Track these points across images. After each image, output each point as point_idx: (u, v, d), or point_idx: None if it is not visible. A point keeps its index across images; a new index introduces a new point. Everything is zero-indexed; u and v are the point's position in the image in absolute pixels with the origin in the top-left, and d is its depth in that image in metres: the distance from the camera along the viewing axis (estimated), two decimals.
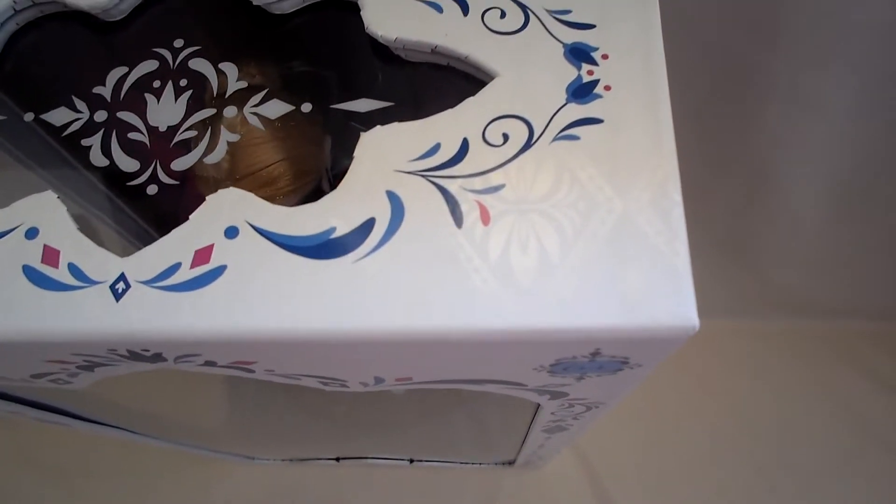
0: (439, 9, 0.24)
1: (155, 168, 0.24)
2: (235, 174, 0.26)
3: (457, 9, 0.24)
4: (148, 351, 0.22)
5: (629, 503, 0.63)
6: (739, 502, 0.61)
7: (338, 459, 0.63)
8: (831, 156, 0.45)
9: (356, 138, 0.25)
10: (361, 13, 0.24)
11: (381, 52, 0.25)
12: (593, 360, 0.22)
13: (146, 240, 0.22)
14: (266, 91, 0.25)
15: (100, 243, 0.22)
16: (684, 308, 0.19)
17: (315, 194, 0.25)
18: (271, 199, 0.27)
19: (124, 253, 0.22)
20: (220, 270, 0.21)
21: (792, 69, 0.40)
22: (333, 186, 0.27)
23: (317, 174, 0.28)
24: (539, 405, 0.31)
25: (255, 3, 0.26)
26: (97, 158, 0.25)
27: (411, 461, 0.62)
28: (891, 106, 0.41)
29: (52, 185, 0.25)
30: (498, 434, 0.65)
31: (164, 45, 0.26)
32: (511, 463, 0.62)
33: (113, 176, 0.25)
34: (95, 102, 0.26)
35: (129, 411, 0.49)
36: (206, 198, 0.22)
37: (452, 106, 0.23)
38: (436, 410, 0.66)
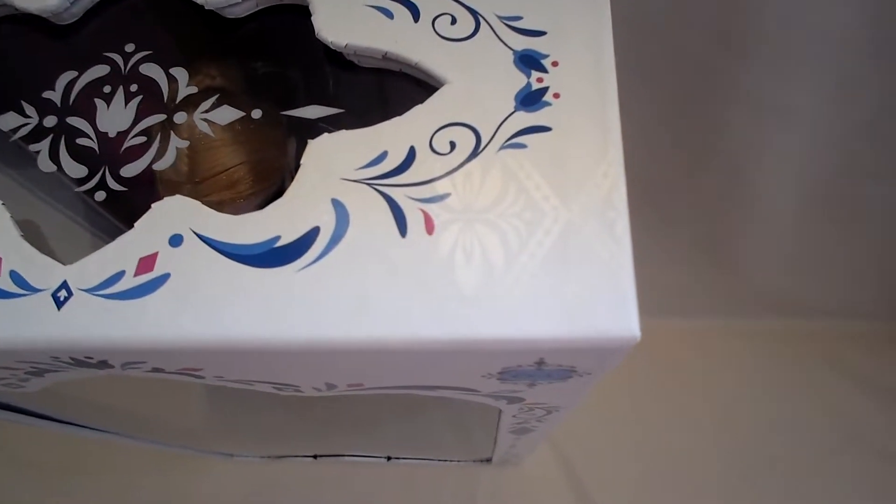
0: (390, 14, 0.24)
1: (104, 174, 0.24)
2: (195, 177, 0.26)
3: (408, 15, 0.24)
4: (92, 358, 0.22)
5: (608, 500, 0.63)
6: (721, 500, 0.61)
7: (315, 457, 0.63)
8: (802, 157, 0.45)
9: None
10: (312, 18, 0.24)
11: (335, 57, 0.25)
12: (540, 369, 0.22)
13: (96, 246, 0.22)
14: (217, 97, 0.25)
15: (46, 251, 0.22)
16: (626, 318, 0.19)
17: (278, 197, 0.25)
18: (233, 202, 0.28)
19: (72, 261, 0.22)
20: (163, 279, 0.21)
21: (762, 73, 0.40)
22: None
23: (279, 177, 0.27)
24: (500, 409, 0.31)
25: (207, 7, 0.25)
26: (45, 164, 0.25)
27: (388, 458, 0.62)
28: (856, 107, 0.41)
29: None
30: (476, 432, 0.65)
31: (115, 50, 0.26)
32: (489, 460, 0.63)
33: (61, 182, 0.24)
34: (45, 107, 0.25)
35: (104, 410, 0.49)
36: (152, 205, 0.22)
37: (403, 113, 0.23)
38: (415, 408, 0.66)
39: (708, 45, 0.38)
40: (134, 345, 0.21)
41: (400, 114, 0.23)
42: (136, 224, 0.22)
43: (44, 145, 0.25)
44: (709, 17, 0.36)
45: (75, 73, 0.26)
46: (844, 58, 0.37)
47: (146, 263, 0.21)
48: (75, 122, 0.25)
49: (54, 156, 0.25)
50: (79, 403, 0.44)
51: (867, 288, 0.58)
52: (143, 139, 0.24)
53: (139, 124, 0.25)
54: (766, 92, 0.40)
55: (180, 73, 0.25)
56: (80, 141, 0.25)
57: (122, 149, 0.24)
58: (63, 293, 0.21)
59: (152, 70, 0.25)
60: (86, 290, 0.21)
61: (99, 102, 0.25)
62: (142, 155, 0.24)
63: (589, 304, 0.20)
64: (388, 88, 0.25)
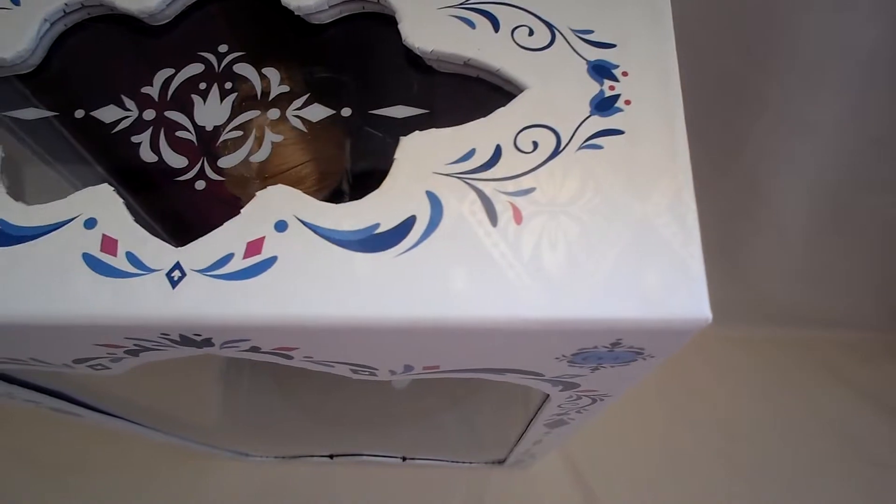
0: (472, 24, 0.26)
1: (203, 165, 0.26)
2: (265, 173, 0.28)
3: (488, 25, 0.26)
4: (199, 336, 0.24)
5: (614, 503, 0.65)
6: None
7: (331, 457, 0.64)
8: (817, 171, 0.48)
9: (374, 142, 0.27)
10: (399, 25, 0.26)
11: (413, 62, 0.27)
12: (612, 351, 0.24)
13: (194, 232, 0.24)
14: (308, 95, 0.27)
15: (153, 234, 0.24)
16: (698, 302, 0.22)
17: (335, 195, 0.27)
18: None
19: (174, 243, 0.24)
20: (271, 261, 0.23)
21: (783, 88, 0.43)
22: (352, 188, 0.29)
23: (338, 176, 0.29)
24: (548, 397, 0.33)
25: (296, 13, 0.27)
26: (147, 154, 0.26)
27: (404, 459, 0.64)
28: (874, 124, 0.44)
29: (104, 178, 0.26)
30: (488, 434, 0.67)
31: (208, 50, 0.28)
32: (501, 462, 0.64)
33: (161, 171, 0.26)
34: (144, 101, 0.27)
35: (131, 405, 0.50)
36: (256, 194, 0.24)
37: (480, 114, 0.25)
38: (429, 410, 0.68)
39: (740, 60, 0.41)
40: (244, 323, 0.23)
41: (476, 115, 0.25)
42: (242, 210, 0.24)
43: (144, 137, 0.26)
44: (743, 34, 0.39)
45: (171, 71, 0.27)
46: (867, 77, 0.40)
47: (254, 247, 0.23)
48: (174, 115, 0.27)
49: (155, 146, 0.26)
50: (106, 395, 0.45)
51: (868, 299, 0.61)
52: (238, 133, 0.26)
53: (235, 119, 0.26)
54: (790, 106, 0.43)
55: (272, 73, 0.27)
56: (179, 133, 0.26)
57: (219, 141, 0.26)
58: (177, 273, 0.23)
59: (245, 69, 0.27)
60: (198, 271, 0.23)
61: (195, 98, 0.27)
62: (238, 148, 0.26)
63: (664, 289, 0.22)
64: (464, 92, 0.27)
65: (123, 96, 0.27)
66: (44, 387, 0.37)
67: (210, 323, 0.23)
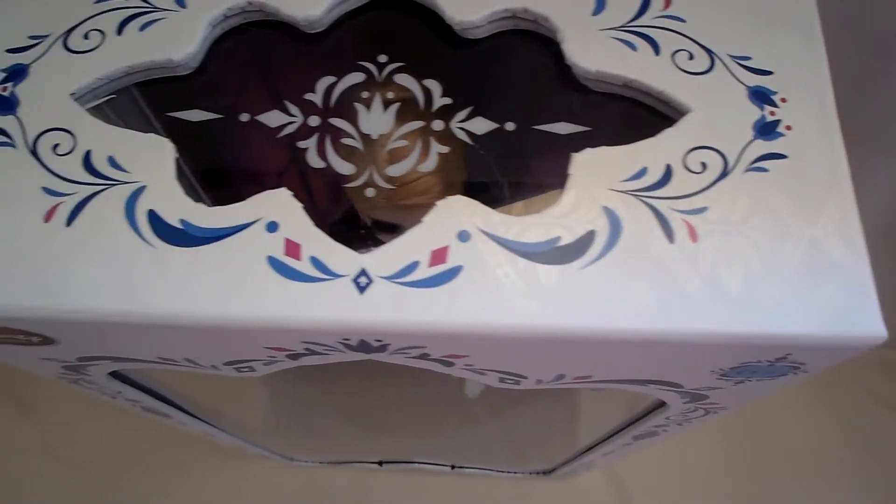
0: (633, 47, 0.27)
1: (371, 173, 0.26)
2: (395, 181, 0.29)
3: (649, 48, 0.27)
4: (380, 341, 0.24)
5: None
6: None
7: (381, 463, 0.64)
8: (889, 185, 0.50)
9: (503, 155, 0.28)
10: (562, 45, 0.27)
11: (566, 79, 0.28)
12: (772, 365, 0.25)
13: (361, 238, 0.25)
14: (471, 108, 0.27)
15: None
16: (872, 319, 0.23)
17: None
18: (420, 208, 0.30)
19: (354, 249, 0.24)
20: (456, 270, 0.23)
21: (875, 109, 0.44)
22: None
23: (458, 188, 0.30)
24: (660, 408, 0.34)
25: (455, 28, 0.28)
26: (314, 160, 0.27)
27: (453, 467, 0.64)
28: None
29: (272, 182, 0.26)
30: (531, 446, 0.68)
31: (365, 59, 0.28)
32: (547, 473, 0.65)
33: (329, 177, 0.27)
34: (307, 108, 0.27)
35: (199, 405, 0.50)
36: (436, 203, 0.24)
37: (635, 133, 0.26)
38: (471, 420, 0.69)
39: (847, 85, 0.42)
40: (431, 330, 0.23)
41: (631, 134, 0.26)
42: (423, 219, 0.24)
43: (310, 143, 0.27)
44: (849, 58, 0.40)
45: (333, 78, 0.28)
46: None
47: (438, 256, 0.24)
48: (338, 122, 0.27)
49: (321, 152, 0.27)
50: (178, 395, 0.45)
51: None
52: (404, 143, 0.27)
53: (399, 129, 0.27)
54: (888, 126, 0.45)
55: (433, 84, 0.28)
56: (345, 140, 0.27)
57: (386, 150, 0.27)
58: (364, 279, 0.23)
59: (405, 80, 0.28)
60: (385, 278, 0.23)
61: (359, 106, 0.27)
62: (404, 157, 0.27)
63: (839, 307, 0.23)
64: (618, 111, 0.28)
65: (287, 101, 0.28)
66: (147, 387, 0.37)
67: (397, 329, 0.23)
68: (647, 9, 0.28)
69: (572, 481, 0.68)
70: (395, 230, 0.30)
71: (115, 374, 0.33)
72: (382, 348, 0.25)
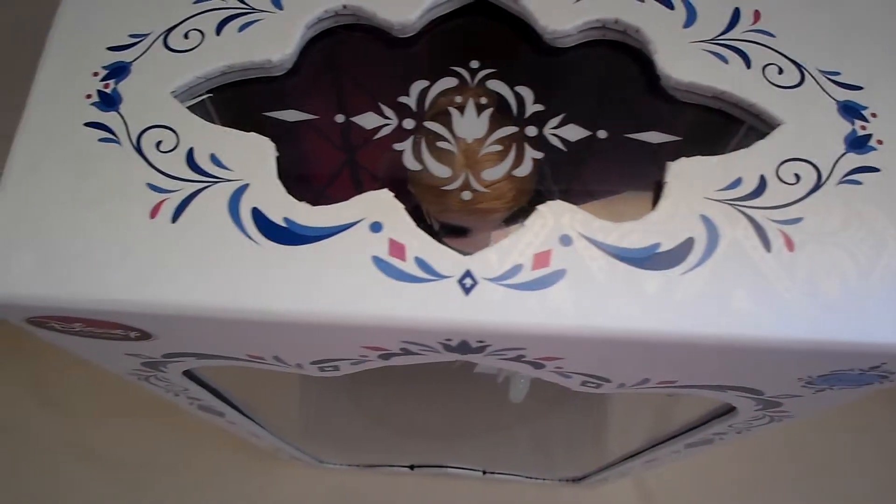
0: (724, 59, 0.27)
1: (467, 176, 0.27)
2: (469, 185, 0.29)
3: (740, 61, 0.27)
4: (481, 342, 0.24)
5: None
6: None
7: (412, 467, 0.65)
8: None
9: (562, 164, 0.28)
10: (654, 56, 0.28)
11: (653, 89, 0.28)
12: (863, 374, 0.25)
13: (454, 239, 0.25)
14: (563, 115, 0.28)
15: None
16: None
17: (519, 214, 0.28)
18: (493, 213, 0.30)
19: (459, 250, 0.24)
20: (560, 274, 0.24)
21: None
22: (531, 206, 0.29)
23: (528, 196, 0.30)
24: (726, 414, 0.35)
25: (544, 37, 0.28)
26: (410, 162, 0.27)
27: (484, 472, 0.64)
28: None
29: (369, 182, 0.27)
30: (559, 453, 0.68)
31: (458, 64, 0.29)
32: (577, 480, 0.65)
33: (426, 179, 0.27)
34: (401, 111, 0.28)
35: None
36: (537, 207, 0.25)
37: (725, 144, 0.27)
38: (500, 425, 0.69)
39: None
40: (535, 332, 0.23)
41: (720, 145, 0.27)
42: (525, 223, 0.25)
43: (406, 145, 0.27)
44: None
45: (426, 83, 0.28)
46: None
47: (541, 259, 0.24)
48: (433, 126, 0.28)
49: (417, 155, 0.27)
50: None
51: None
52: (498, 147, 0.27)
53: (493, 134, 0.27)
54: None
55: (525, 91, 0.28)
56: (440, 144, 0.27)
57: (481, 154, 0.27)
58: (469, 281, 0.24)
59: (497, 86, 0.28)
60: (490, 280, 0.24)
61: (452, 111, 0.28)
62: (499, 162, 0.27)
63: None
64: (706, 122, 0.28)
65: (381, 104, 0.28)
66: (211, 385, 0.37)
67: (502, 331, 0.24)
68: (736, 23, 0.28)
69: (599, 489, 0.68)
70: (466, 234, 0.30)
71: (186, 372, 0.34)
72: (481, 349, 0.25)
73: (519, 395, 0.51)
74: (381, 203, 0.25)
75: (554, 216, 0.25)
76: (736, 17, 0.28)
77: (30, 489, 0.67)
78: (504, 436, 0.68)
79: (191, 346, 0.28)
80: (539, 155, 0.27)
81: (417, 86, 0.28)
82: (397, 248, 0.24)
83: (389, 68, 0.30)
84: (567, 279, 0.24)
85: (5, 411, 0.69)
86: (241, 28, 0.28)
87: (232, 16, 0.28)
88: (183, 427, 0.70)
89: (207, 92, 0.28)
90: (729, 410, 0.34)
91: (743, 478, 0.67)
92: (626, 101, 0.29)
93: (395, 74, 0.29)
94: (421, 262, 0.24)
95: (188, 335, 0.26)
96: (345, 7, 0.29)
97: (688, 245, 0.24)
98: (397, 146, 0.27)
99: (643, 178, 0.27)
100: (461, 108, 0.28)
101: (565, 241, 0.24)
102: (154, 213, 0.25)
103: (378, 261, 0.24)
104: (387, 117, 0.28)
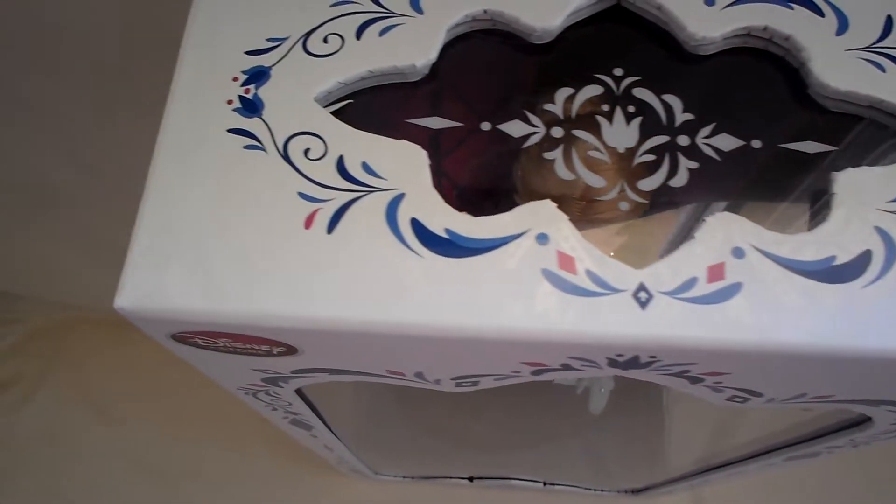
0: (882, 68, 0.27)
1: (623, 186, 0.26)
2: (590, 193, 0.28)
3: None
4: (654, 357, 0.24)
5: None
6: None
7: (471, 479, 0.63)
8: None
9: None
10: (809, 64, 0.27)
11: (800, 98, 0.28)
12: None
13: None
14: (714, 124, 0.27)
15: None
16: None
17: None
18: (609, 222, 0.29)
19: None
20: (736, 287, 0.23)
21: None
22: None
23: (644, 207, 0.29)
24: (860, 424, 0.34)
25: (692, 41, 0.28)
26: (562, 171, 0.26)
27: (545, 484, 0.63)
28: None
29: (523, 191, 0.26)
30: (614, 464, 0.67)
31: (600, 72, 0.28)
32: (636, 492, 0.64)
33: (581, 189, 0.26)
34: (547, 118, 0.27)
35: None
36: (706, 219, 0.24)
37: (881, 155, 0.26)
38: (552, 435, 0.68)
39: None
40: (713, 346, 0.23)
41: (878, 156, 0.26)
42: (695, 235, 0.24)
43: (556, 154, 0.26)
44: None
45: (571, 90, 0.27)
46: None
47: (715, 272, 0.23)
48: (582, 134, 0.27)
49: (569, 164, 0.26)
50: None
51: None
52: (651, 157, 0.26)
53: (645, 143, 0.27)
54: None
55: (673, 99, 0.27)
56: (591, 153, 0.26)
57: (634, 164, 0.26)
58: (643, 294, 0.23)
59: (644, 94, 0.27)
60: (665, 293, 0.23)
61: (601, 119, 0.27)
62: (654, 172, 0.26)
63: None
64: (857, 131, 0.28)
65: (526, 111, 0.27)
66: (310, 399, 0.36)
67: (679, 345, 0.23)
68: (890, 31, 0.27)
69: (655, 500, 0.67)
70: None
71: (297, 390, 0.33)
72: (648, 364, 0.24)
73: (599, 406, 0.50)
74: (544, 214, 0.24)
75: (723, 228, 0.24)
76: (889, 25, 0.28)
77: (79, 499, 0.65)
78: (563, 446, 0.67)
79: (332, 361, 0.27)
80: (694, 165, 0.27)
81: (562, 93, 0.28)
82: (567, 261, 0.23)
83: (528, 75, 0.29)
84: (744, 293, 0.23)
85: (53, 420, 0.68)
86: (382, 32, 0.27)
87: (371, 20, 0.27)
88: (231, 436, 0.68)
89: (346, 97, 0.27)
90: (859, 423, 0.33)
91: (805, 495, 0.66)
92: (774, 110, 0.28)
93: (535, 81, 0.29)
94: (592, 275, 0.23)
95: (336, 350, 0.25)
96: (485, 11, 0.28)
97: (866, 257, 0.24)
98: (548, 155, 0.26)
99: (802, 189, 0.27)
100: (609, 117, 0.27)
101: (738, 253, 0.24)
102: (308, 223, 0.24)
103: (548, 273, 0.23)
104: (534, 125, 0.27)
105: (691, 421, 0.65)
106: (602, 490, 0.65)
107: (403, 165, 0.25)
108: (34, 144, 0.66)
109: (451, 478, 0.64)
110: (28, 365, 0.70)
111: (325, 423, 0.42)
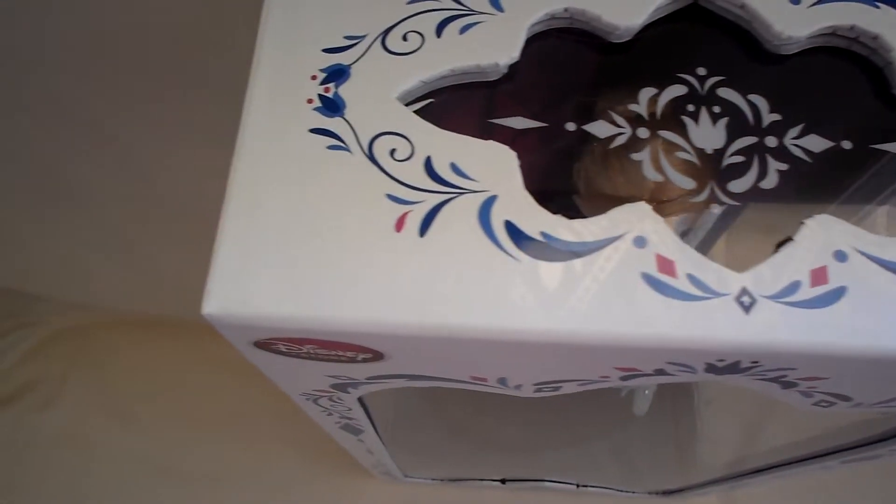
0: None
1: (713, 188, 0.26)
2: (668, 193, 0.28)
3: None
4: (755, 363, 0.23)
5: None
6: None
7: (503, 481, 0.63)
8: None
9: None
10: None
11: (889, 98, 0.27)
12: None
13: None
14: (803, 125, 0.27)
15: None
16: None
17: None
18: (687, 223, 0.29)
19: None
20: (841, 291, 0.22)
21: None
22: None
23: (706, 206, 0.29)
24: None
25: (776, 41, 0.27)
26: (650, 173, 0.26)
27: (578, 486, 0.63)
28: None
29: (614, 196, 0.25)
30: (643, 466, 0.67)
31: (683, 71, 0.27)
32: (668, 493, 0.64)
33: (668, 191, 0.26)
34: (632, 118, 0.27)
35: None
36: (804, 221, 0.24)
37: None
38: (578, 438, 0.67)
39: None
40: (822, 351, 0.22)
41: None
42: (795, 237, 0.23)
43: (643, 155, 0.26)
44: None
45: (654, 90, 0.27)
46: None
47: (818, 276, 0.23)
48: (668, 135, 0.26)
49: (657, 166, 0.26)
50: None
51: None
52: (740, 158, 0.26)
53: (733, 144, 0.26)
54: None
55: (759, 100, 0.27)
56: (679, 154, 0.26)
57: (723, 166, 0.26)
58: (747, 298, 0.22)
59: (729, 94, 0.27)
60: (768, 297, 0.22)
61: (686, 119, 0.26)
62: (744, 173, 0.26)
63: None
64: None
65: (610, 112, 0.27)
66: (365, 405, 0.36)
67: (784, 350, 0.22)
68: None
69: (687, 502, 0.67)
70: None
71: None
72: (748, 369, 0.24)
73: (643, 408, 0.49)
74: (640, 216, 0.23)
75: (823, 230, 0.23)
76: None
77: (100, 500, 0.64)
78: (594, 448, 0.67)
79: (416, 367, 0.26)
80: (783, 166, 0.26)
81: (646, 93, 0.27)
82: (666, 265, 0.23)
83: (609, 74, 0.29)
84: (849, 297, 0.22)
85: (74, 421, 0.67)
86: (462, 30, 0.26)
87: (450, 17, 0.27)
88: (251, 437, 0.68)
89: (427, 96, 0.26)
90: None
91: (825, 490, 0.66)
92: (860, 110, 0.28)
93: (616, 80, 0.28)
94: (694, 279, 0.23)
95: (424, 356, 0.25)
96: (566, 10, 0.27)
97: None
98: (634, 156, 0.26)
99: (893, 189, 0.26)
100: (695, 118, 0.27)
101: (840, 256, 0.23)
102: (399, 226, 0.23)
103: (648, 278, 0.22)
104: (619, 126, 0.26)
105: (723, 423, 0.65)
106: (634, 492, 0.65)
107: (493, 166, 0.24)
108: (57, 146, 0.65)
109: (482, 480, 0.63)
110: (50, 367, 0.69)
111: (374, 427, 0.41)
